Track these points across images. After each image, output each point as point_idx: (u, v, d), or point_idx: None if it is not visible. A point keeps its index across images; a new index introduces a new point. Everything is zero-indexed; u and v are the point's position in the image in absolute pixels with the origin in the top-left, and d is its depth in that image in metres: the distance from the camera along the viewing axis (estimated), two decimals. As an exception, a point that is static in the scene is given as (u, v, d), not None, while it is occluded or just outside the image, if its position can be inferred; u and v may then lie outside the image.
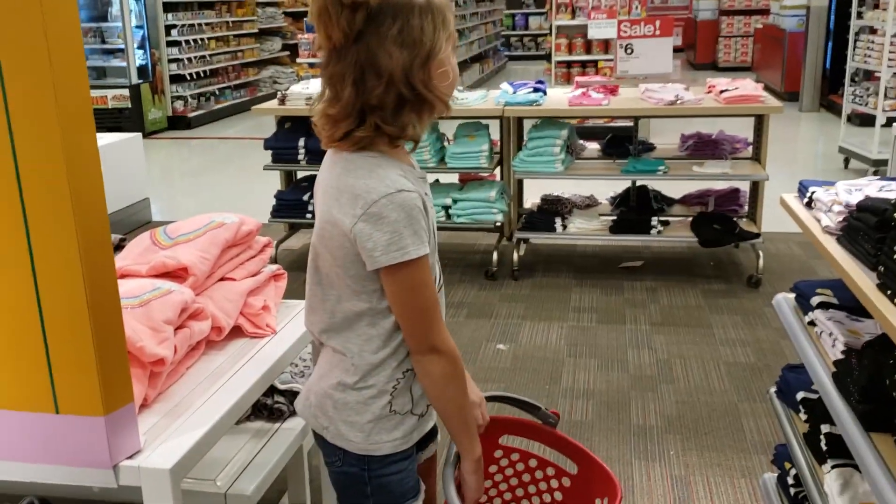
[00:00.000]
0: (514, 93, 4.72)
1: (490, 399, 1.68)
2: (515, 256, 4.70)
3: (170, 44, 10.13)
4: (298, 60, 9.70)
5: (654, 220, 4.60)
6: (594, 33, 7.36)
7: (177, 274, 1.81)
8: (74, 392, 1.35)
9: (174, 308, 1.67)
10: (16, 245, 1.30)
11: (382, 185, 1.33)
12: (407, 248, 1.32)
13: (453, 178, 5.00)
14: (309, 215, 4.80)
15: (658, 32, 5.15)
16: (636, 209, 4.77)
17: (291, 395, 2.12)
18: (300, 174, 5.13)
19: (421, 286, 1.37)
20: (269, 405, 2.09)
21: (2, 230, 1.30)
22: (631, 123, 4.98)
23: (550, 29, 8.38)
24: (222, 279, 1.93)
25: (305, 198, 4.81)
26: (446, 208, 4.68)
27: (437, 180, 5.00)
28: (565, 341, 3.87)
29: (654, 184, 4.91)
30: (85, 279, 1.29)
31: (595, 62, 8.24)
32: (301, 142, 4.79)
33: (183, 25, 10.27)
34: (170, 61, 10.14)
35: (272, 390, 2.11)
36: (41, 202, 1.27)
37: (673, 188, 5.00)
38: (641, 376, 3.50)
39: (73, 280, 1.29)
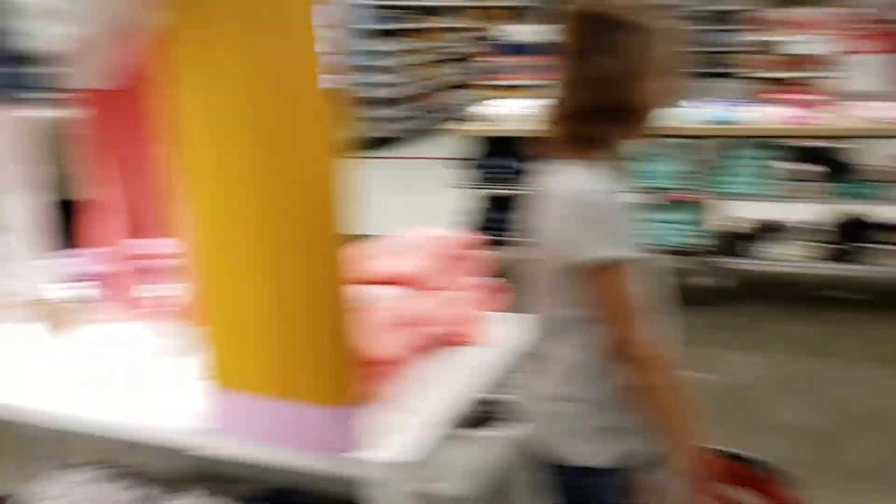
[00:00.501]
0: (715, 111, 4.57)
1: (719, 454, 1.58)
2: (716, 281, 4.53)
3: (366, 69, 10.79)
4: (486, 83, 9.97)
5: (869, 248, 4.28)
6: (801, 49, 6.99)
7: (402, 282, 1.94)
8: (317, 384, 1.48)
9: (402, 313, 1.79)
10: (268, 251, 1.46)
11: (583, 187, 1.39)
12: (600, 250, 1.36)
13: (652, 198, 4.90)
14: (515, 231, 4.88)
15: (878, 49, 4.81)
16: (849, 236, 4.45)
17: (503, 404, 2.18)
18: (504, 192, 5.25)
19: (614, 289, 1.39)
20: (482, 413, 2.16)
21: (254, 238, 1.46)
22: (845, 144, 4.67)
23: (747, 46, 8.04)
24: (442, 289, 2.03)
25: (512, 215, 4.90)
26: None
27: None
28: (768, 373, 3.68)
29: (872, 209, 4.55)
30: (329, 285, 1.43)
31: (802, 79, 7.79)
32: (507, 161, 4.91)
33: (378, 52, 10.96)
34: (365, 85, 10.81)
35: (484, 398, 2.18)
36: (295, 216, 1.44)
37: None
38: (852, 414, 3.25)
39: (320, 286, 1.43)
